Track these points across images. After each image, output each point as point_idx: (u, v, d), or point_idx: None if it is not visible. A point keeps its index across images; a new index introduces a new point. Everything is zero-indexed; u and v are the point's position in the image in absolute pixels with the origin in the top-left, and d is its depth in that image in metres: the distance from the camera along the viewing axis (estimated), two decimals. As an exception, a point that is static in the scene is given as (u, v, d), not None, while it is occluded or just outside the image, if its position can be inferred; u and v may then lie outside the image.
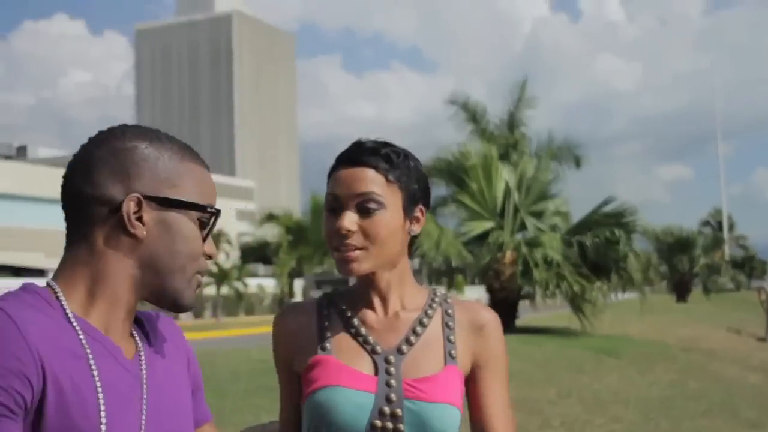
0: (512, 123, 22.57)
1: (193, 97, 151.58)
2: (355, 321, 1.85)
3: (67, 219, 1.45)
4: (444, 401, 1.74)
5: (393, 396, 1.75)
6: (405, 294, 1.87)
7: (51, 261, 43.24)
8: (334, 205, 1.79)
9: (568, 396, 11.18)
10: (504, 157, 21.56)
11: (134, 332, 1.52)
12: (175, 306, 1.48)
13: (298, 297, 40.53)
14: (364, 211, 1.75)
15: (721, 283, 63.95)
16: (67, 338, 1.34)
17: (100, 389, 1.34)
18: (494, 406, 1.84)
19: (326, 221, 1.80)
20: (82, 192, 1.42)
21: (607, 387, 12.27)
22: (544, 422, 9.39)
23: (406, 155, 1.83)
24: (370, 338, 1.82)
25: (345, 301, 1.89)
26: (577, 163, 22.44)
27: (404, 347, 1.81)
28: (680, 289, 53.05)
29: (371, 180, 1.76)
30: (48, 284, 1.41)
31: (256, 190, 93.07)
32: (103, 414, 1.33)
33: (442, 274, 22.67)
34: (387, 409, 1.74)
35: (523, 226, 21.48)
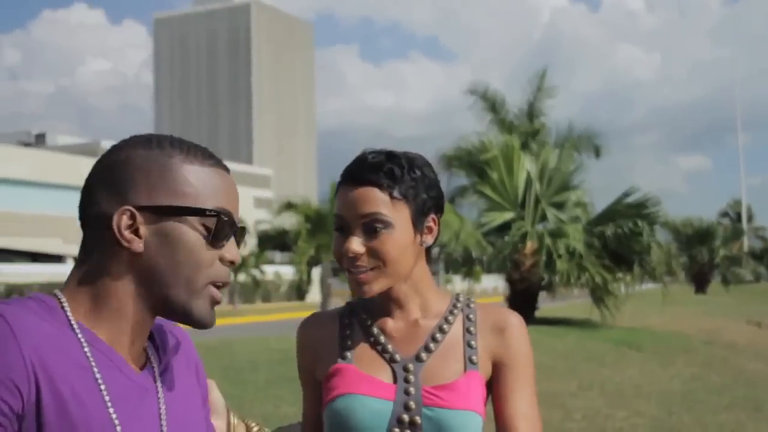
0: (532, 113, 22.47)
1: (211, 85, 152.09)
2: (375, 330, 1.84)
3: (82, 238, 1.41)
4: (464, 408, 1.72)
5: (411, 404, 1.74)
6: (425, 301, 1.86)
7: (69, 247, 43.56)
8: (341, 225, 1.77)
9: (589, 389, 11.10)
10: (524, 146, 21.46)
11: (147, 346, 1.46)
12: (189, 321, 1.39)
13: (315, 284, 40.65)
14: (371, 232, 1.73)
15: (741, 274, 63.53)
16: (69, 347, 1.29)
17: (109, 403, 1.30)
18: (517, 409, 1.79)
19: (336, 241, 1.79)
20: (84, 211, 1.39)
21: (628, 380, 12.19)
22: (566, 415, 9.32)
23: (411, 165, 1.78)
24: (389, 347, 1.81)
25: (366, 311, 1.88)
26: (597, 152, 22.33)
27: (423, 354, 1.80)
28: (699, 281, 52.83)
29: (375, 200, 1.73)
30: (54, 294, 1.37)
31: (273, 178, 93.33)
32: (119, 429, 1.29)
33: (460, 264, 22.59)
34: (406, 417, 1.73)
35: (543, 218, 21.35)
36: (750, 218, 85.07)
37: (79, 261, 1.39)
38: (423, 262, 1.84)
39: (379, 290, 1.76)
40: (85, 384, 1.28)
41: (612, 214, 20.27)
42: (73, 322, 1.32)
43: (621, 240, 19.54)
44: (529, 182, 20.99)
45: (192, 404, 1.50)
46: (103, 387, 1.29)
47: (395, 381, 1.77)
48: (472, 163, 21.07)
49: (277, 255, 59.59)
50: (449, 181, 22.16)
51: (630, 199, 20.31)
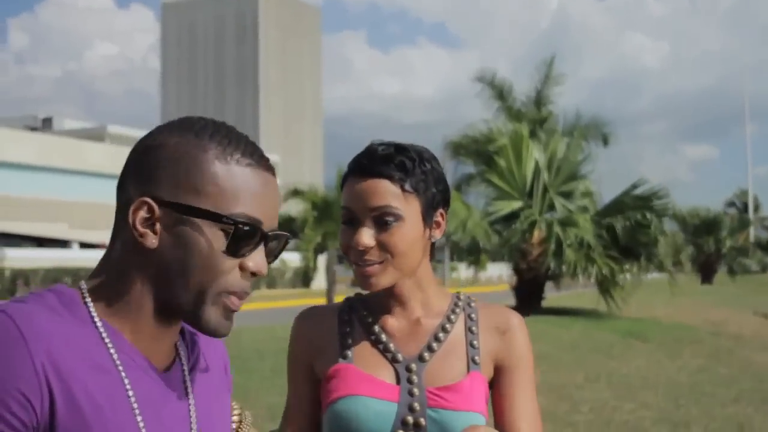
0: (539, 100, 22.40)
1: (218, 70, 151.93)
2: (376, 328, 1.81)
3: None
4: (468, 409, 1.71)
5: (416, 405, 1.71)
6: (427, 299, 1.83)
7: (75, 232, 43.57)
8: (350, 218, 1.72)
9: (596, 380, 11.06)
10: (532, 135, 21.35)
11: (178, 342, 1.37)
12: (198, 328, 1.28)
13: (321, 271, 40.70)
14: (382, 225, 1.69)
15: (747, 265, 63.42)
16: (89, 347, 1.20)
17: (137, 410, 1.21)
18: (517, 409, 1.78)
19: (343, 234, 1.74)
20: (117, 196, 1.29)
21: (635, 371, 12.14)
22: (573, 407, 9.27)
23: (421, 158, 1.74)
24: (391, 346, 1.78)
25: (366, 308, 1.85)
26: (605, 141, 22.28)
27: (426, 355, 1.77)
28: (705, 271, 52.76)
29: (386, 192, 1.69)
30: (79, 287, 1.27)
31: (280, 164, 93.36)
32: None
33: (466, 252, 22.54)
34: (410, 419, 1.70)
35: (551, 207, 21.25)
36: (757, 208, 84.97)
37: (108, 248, 1.31)
38: (427, 259, 1.81)
39: (386, 284, 1.73)
40: (107, 389, 1.19)
41: (620, 205, 20.18)
42: (96, 319, 1.23)
43: (629, 232, 19.50)
44: (537, 171, 20.88)
45: (221, 403, 1.43)
46: (131, 393, 1.21)
47: (398, 382, 1.74)
48: (480, 151, 20.98)
49: (283, 242, 59.72)
50: (456, 169, 22.11)
51: (638, 191, 20.22)
